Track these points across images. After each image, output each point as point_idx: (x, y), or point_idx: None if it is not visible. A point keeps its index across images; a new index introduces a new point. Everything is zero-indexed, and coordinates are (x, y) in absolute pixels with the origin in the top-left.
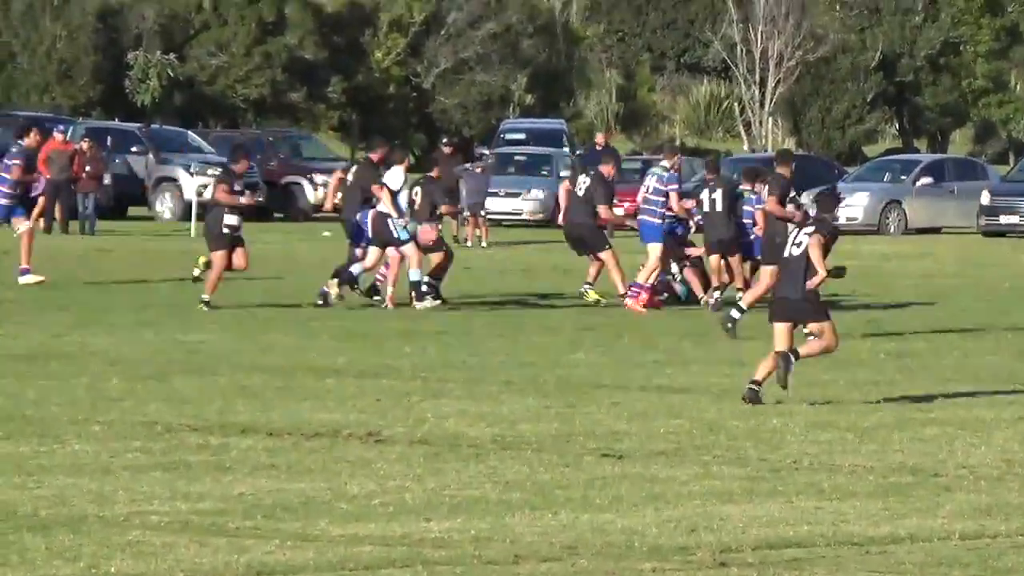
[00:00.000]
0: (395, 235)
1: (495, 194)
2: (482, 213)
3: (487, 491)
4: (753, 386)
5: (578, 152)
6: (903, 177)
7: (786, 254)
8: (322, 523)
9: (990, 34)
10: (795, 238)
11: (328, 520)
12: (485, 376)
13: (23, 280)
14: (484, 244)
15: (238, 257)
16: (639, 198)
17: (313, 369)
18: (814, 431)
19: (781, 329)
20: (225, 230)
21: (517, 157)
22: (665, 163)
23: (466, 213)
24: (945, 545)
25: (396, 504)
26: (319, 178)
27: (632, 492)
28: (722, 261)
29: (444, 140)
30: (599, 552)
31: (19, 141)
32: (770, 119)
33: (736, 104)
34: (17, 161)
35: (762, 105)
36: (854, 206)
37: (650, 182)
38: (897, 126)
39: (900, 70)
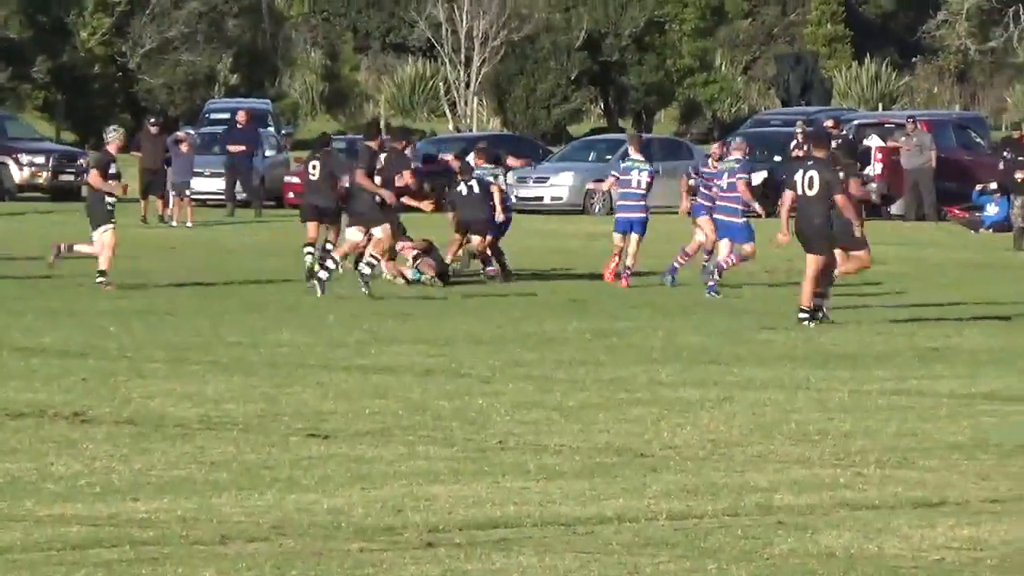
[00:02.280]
0: None
1: (200, 174)
2: (187, 192)
3: (193, 471)
4: None
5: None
6: (608, 157)
7: None
8: (28, 503)
9: (696, 13)
10: None
11: (35, 500)
12: (190, 355)
13: None
14: (189, 224)
15: None
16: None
17: (18, 348)
18: (520, 411)
19: None
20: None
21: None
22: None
23: (172, 192)
24: (652, 525)
25: (103, 484)
26: (24, 158)
27: (338, 472)
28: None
29: (151, 120)
30: (305, 532)
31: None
32: (475, 99)
33: (441, 84)
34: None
35: (467, 85)
36: (559, 186)
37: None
38: (602, 105)
39: (605, 49)
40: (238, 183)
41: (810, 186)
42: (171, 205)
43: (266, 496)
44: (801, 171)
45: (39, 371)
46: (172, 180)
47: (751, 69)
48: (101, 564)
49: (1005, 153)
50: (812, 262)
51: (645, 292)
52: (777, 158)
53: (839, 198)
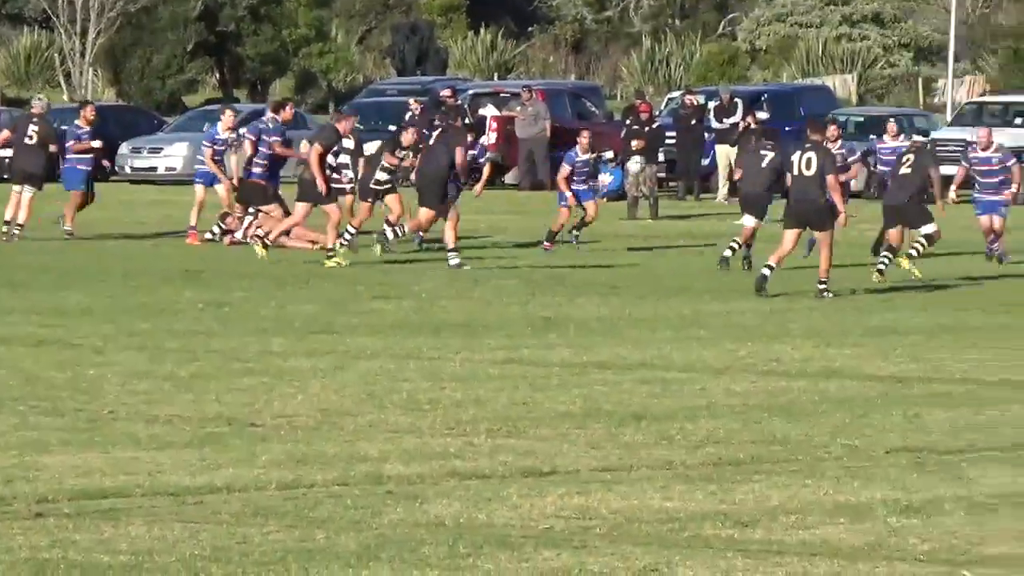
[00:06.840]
0: None
1: None
2: None
3: None
4: None
5: None
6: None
7: None
8: None
9: None
10: None
11: None
12: None
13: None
14: None
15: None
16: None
17: None
18: (132, 380)
19: None
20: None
21: None
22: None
23: None
24: (262, 495)
25: None
26: None
27: None
28: None
29: None
30: None
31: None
32: (91, 69)
33: (57, 54)
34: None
35: (83, 55)
36: (174, 156)
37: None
38: (218, 76)
39: (222, 20)
40: None
41: (807, 167)
42: None
43: None
44: (799, 153)
45: None
46: None
47: (367, 39)
48: None
49: (628, 121)
50: (825, 237)
51: (258, 263)
52: (392, 127)
53: (831, 179)
